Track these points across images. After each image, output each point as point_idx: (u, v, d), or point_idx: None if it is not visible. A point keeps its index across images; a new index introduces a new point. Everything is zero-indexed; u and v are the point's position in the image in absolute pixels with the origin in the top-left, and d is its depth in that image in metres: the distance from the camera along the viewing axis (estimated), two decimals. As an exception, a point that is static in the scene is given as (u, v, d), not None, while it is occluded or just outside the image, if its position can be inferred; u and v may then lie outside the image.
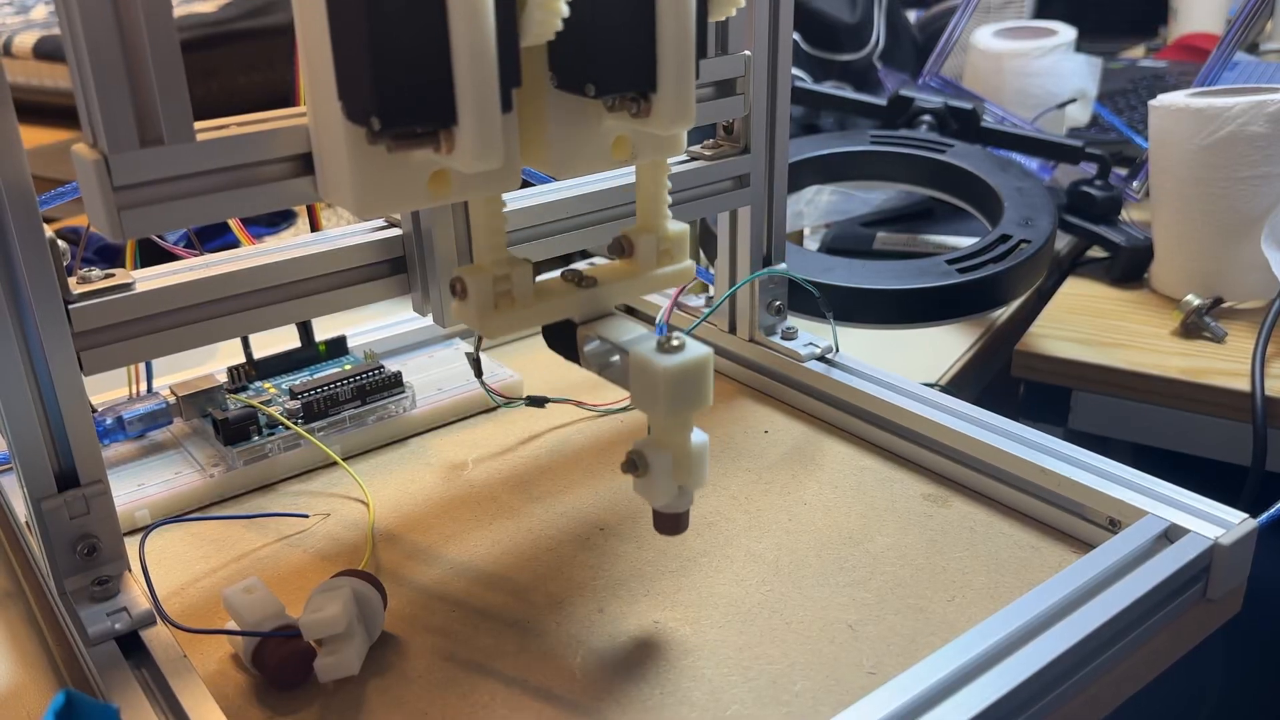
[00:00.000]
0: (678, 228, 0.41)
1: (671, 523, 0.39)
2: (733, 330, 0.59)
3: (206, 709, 0.34)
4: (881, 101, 0.90)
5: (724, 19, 0.37)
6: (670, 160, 0.40)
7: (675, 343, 0.35)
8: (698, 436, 0.37)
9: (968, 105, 0.87)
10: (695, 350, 0.35)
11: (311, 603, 0.39)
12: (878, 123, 0.90)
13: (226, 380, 0.55)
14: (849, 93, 0.93)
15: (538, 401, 0.55)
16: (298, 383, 0.54)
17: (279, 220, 0.93)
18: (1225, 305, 0.74)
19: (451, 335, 0.64)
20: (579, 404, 0.57)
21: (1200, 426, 0.67)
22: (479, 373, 0.52)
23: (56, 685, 0.40)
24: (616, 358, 0.38)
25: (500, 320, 0.38)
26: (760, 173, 0.54)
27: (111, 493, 0.39)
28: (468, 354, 0.51)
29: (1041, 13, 1.21)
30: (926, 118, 0.87)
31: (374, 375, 0.54)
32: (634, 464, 0.37)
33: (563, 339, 0.40)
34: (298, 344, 0.57)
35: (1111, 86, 1.14)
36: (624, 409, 0.57)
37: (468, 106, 0.30)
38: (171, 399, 0.53)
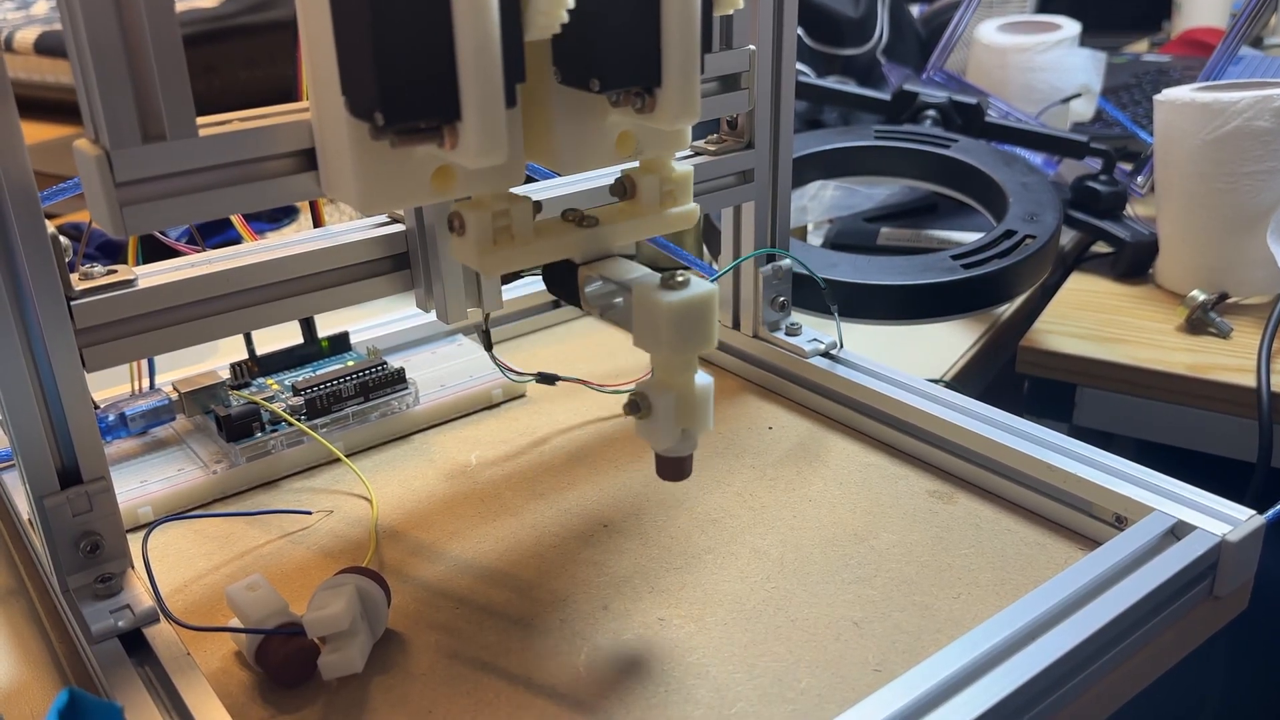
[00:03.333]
0: (681, 168, 0.40)
1: (674, 467, 0.38)
2: (736, 326, 0.59)
3: (210, 707, 0.34)
4: (885, 96, 0.89)
5: (728, 13, 0.36)
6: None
7: (679, 279, 0.35)
8: (701, 378, 0.36)
9: (972, 100, 0.87)
10: (699, 287, 0.35)
11: (315, 600, 0.39)
12: (882, 118, 0.90)
13: (229, 377, 0.55)
14: (853, 88, 0.93)
15: (548, 379, 0.55)
16: (300, 379, 0.54)
17: (281, 216, 0.93)
18: (1230, 300, 0.74)
19: (455, 331, 0.64)
20: (587, 384, 0.56)
21: (1206, 422, 0.67)
22: (489, 345, 0.51)
23: (60, 683, 0.40)
24: (619, 299, 0.37)
25: (499, 257, 0.37)
26: (764, 168, 0.54)
27: (114, 490, 0.39)
28: (477, 326, 0.49)
29: (1045, 7, 1.20)
30: (930, 113, 0.87)
31: (377, 372, 0.54)
32: (636, 406, 0.36)
33: (563, 280, 0.39)
34: (300, 340, 0.57)
35: (1116, 81, 1.14)
36: (632, 391, 0.56)
37: (471, 101, 0.29)
38: (174, 395, 0.53)
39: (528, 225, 0.37)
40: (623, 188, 0.40)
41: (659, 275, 0.35)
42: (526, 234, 0.37)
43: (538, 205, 0.37)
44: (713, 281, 0.36)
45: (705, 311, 0.35)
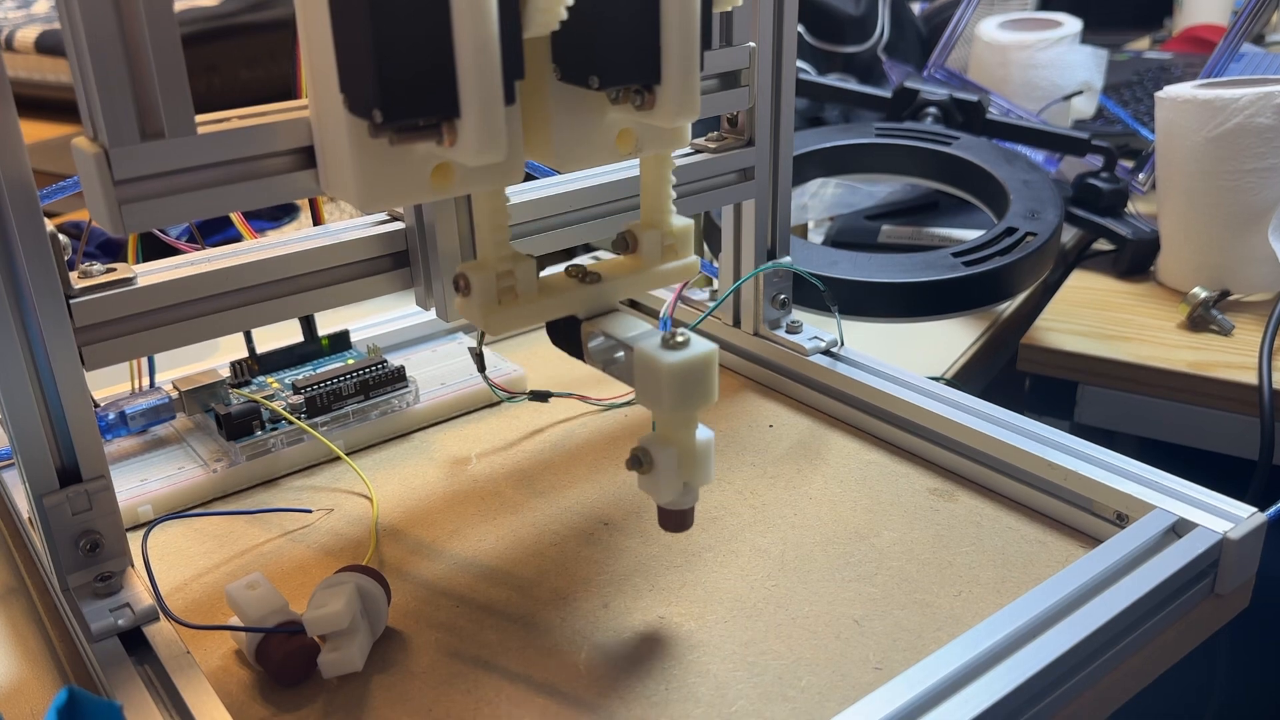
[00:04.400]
0: (682, 223, 0.41)
1: (677, 520, 0.39)
2: (737, 324, 0.59)
3: (210, 705, 0.34)
4: (886, 94, 0.89)
5: (728, 10, 0.36)
6: (674, 153, 0.40)
7: (680, 339, 0.35)
8: (703, 433, 0.37)
9: (973, 97, 0.86)
10: (700, 347, 0.35)
11: (315, 598, 0.38)
12: (882, 115, 0.90)
13: (229, 375, 0.55)
14: (854, 85, 0.93)
15: (541, 396, 0.55)
16: (301, 377, 0.54)
17: (281, 214, 0.93)
18: (1232, 298, 0.74)
19: (454, 330, 0.63)
20: (582, 398, 0.57)
21: (1207, 420, 0.67)
22: (482, 368, 0.51)
23: (60, 681, 0.40)
24: (621, 354, 0.38)
25: (504, 316, 0.37)
26: (765, 166, 0.54)
27: (114, 488, 0.39)
28: (470, 349, 0.51)
29: (1047, 4, 1.20)
30: (931, 110, 0.87)
31: (377, 370, 0.54)
32: (638, 460, 0.37)
33: (567, 335, 0.40)
34: (300, 338, 0.57)
35: (1117, 78, 1.13)
36: (628, 404, 0.56)
37: (470, 99, 0.29)
38: (174, 394, 0.53)
39: (531, 284, 0.38)
40: (625, 243, 0.40)
41: (660, 334, 0.36)
42: (530, 292, 0.38)
43: (540, 264, 0.38)
44: (714, 309, 0.36)
45: (705, 371, 0.35)
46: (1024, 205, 0.72)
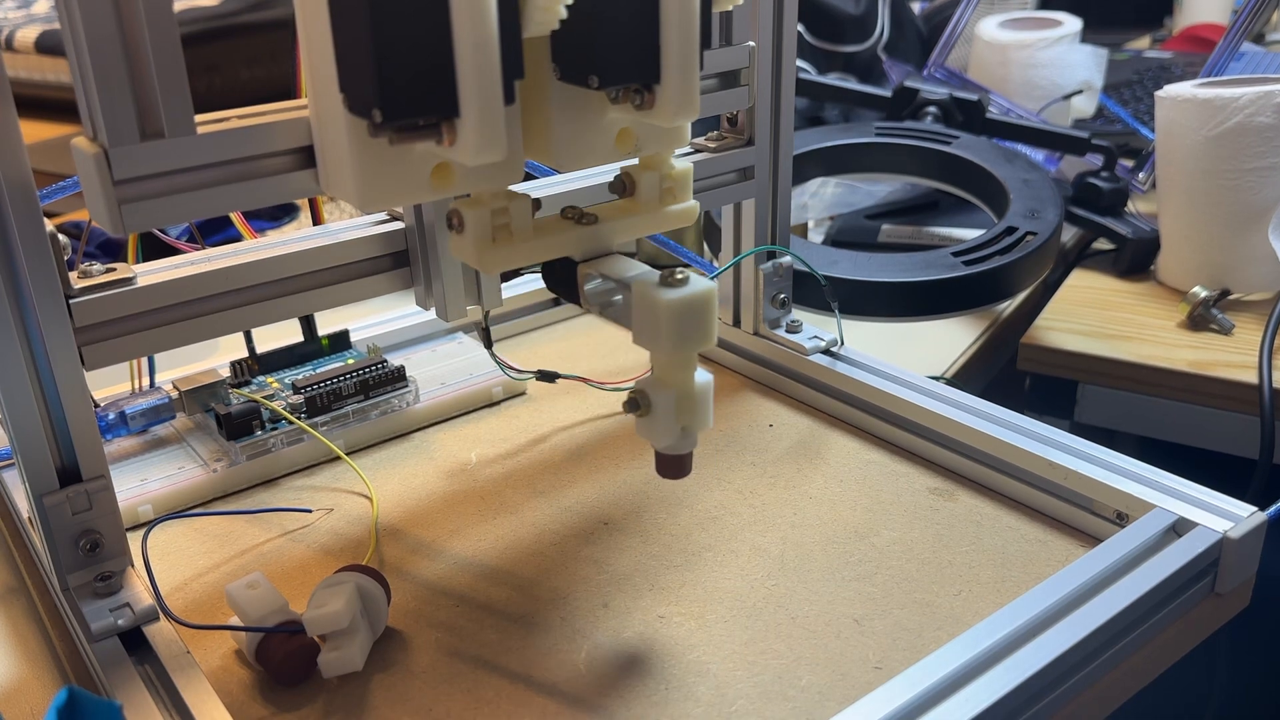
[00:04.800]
0: (681, 165, 0.39)
1: (674, 465, 0.38)
2: (737, 323, 0.59)
3: (210, 705, 0.34)
4: (886, 93, 0.89)
5: (728, 10, 0.36)
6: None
7: (679, 277, 0.35)
8: (701, 375, 0.36)
9: (973, 97, 0.86)
10: (698, 284, 0.35)
11: (315, 598, 0.38)
12: (882, 114, 0.90)
13: (229, 375, 0.55)
14: (853, 84, 0.93)
15: (548, 376, 0.55)
16: (301, 377, 0.54)
17: (281, 214, 0.92)
18: (1232, 297, 0.74)
19: (455, 329, 0.63)
20: (587, 381, 0.56)
21: (1207, 419, 0.67)
22: (489, 343, 0.51)
23: (60, 681, 0.40)
24: (618, 296, 0.37)
25: (498, 255, 0.36)
26: (764, 165, 0.54)
27: (114, 488, 0.39)
28: (477, 323, 0.49)
29: (1047, 3, 1.20)
30: (931, 109, 0.87)
31: (377, 370, 0.54)
32: (636, 404, 0.36)
33: (562, 278, 0.39)
34: (300, 338, 0.57)
35: (1117, 78, 1.13)
36: (632, 388, 0.56)
37: (470, 98, 0.29)
38: (174, 394, 0.53)
39: (527, 223, 0.37)
40: (622, 185, 0.39)
41: (658, 273, 0.35)
42: (525, 231, 0.37)
43: (537, 203, 0.37)
44: (713, 279, 0.36)
45: (705, 309, 0.35)
46: (1024, 204, 0.72)
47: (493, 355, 0.53)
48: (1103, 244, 0.85)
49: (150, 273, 0.40)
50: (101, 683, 0.36)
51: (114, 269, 0.39)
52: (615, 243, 0.39)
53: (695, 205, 0.40)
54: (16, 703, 0.39)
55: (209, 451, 0.51)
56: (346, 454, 0.52)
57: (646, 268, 0.37)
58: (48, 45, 1.28)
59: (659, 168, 0.39)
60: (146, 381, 0.54)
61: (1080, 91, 1.02)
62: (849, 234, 0.85)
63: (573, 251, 0.38)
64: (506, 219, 0.36)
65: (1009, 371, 0.75)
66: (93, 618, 0.37)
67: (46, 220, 0.35)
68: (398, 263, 0.45)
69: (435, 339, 0.63)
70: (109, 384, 0.54)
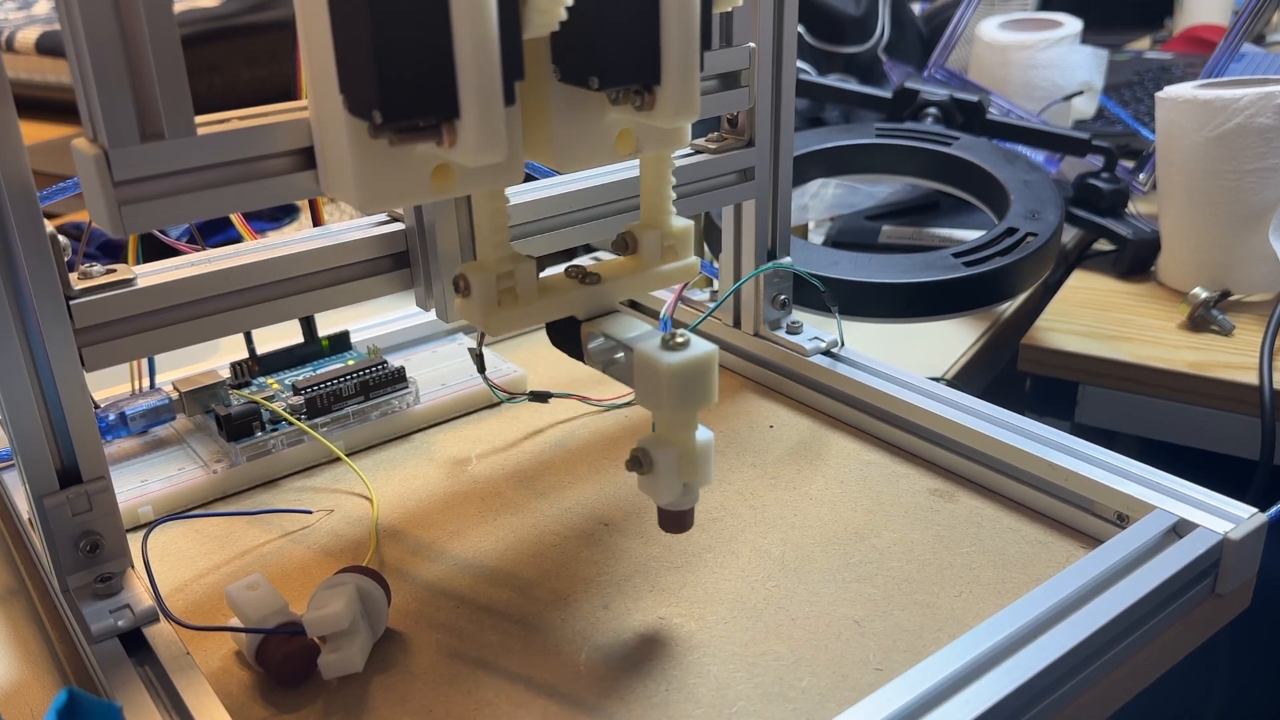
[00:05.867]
0: (681, 223, 0.41)
1: (676, 520, 0.39)
2: (737, 325, 0.59)
3: (210, 706, 0.34)
4: (886, 94, 0.89)
5: (728, 11, 0.36)
6: (674, 154, 0.40)
7: (680, 340, 0.35)
8: (703, 434, 0.37)
9: (973, 98, 0.86)
10: (700, 348, 0.35)
11: (315, 599, 0.38)
12: (883, 115, 0.90)
13: (229, 376, 0.55)
14: (854, 85, 0.93)
15: (540, 397, 0.55)
16: (301, 378, 0.54)
17: (281, 215, 0.92)
18: (1233, 298, 0.74)
19: (455, 330, 0.63)
20: (582, 399, 0.57)
21: (1208, 420, 0.67)
22: (481, 368, 0.51)
23: (60, 683, 0.40)
24: (621, 355, 0.38)
25: (504, 317, 0.37)
26: (765, 166, 0.54)
27: (114, 489, 0.39)
28: (470, 349, 0.51)
29: (1047, 4, 1.20)
30: (932, 110, 0.87)
31: (377, 371, 0.54)
32: (638, 462, 0.37)
33: (567, 336, 0.40)
34: (301, 339, 0.57)
35: (1118, 79, 1.13)
36: (627, 404, 0.56)
37: (470, 99, 0.29)
38: (174, 395, 0.53)
39: (531, 285, 0.38)
40: (624, 243, 0.40)
41: (660, 335, 0.36)
42: (530, 294, 0.38)
43: (540, 264, 0.38)
44: (714, 309, 0.36)
45: (706, 372, 0.35)
46: (1024, 205, 0.72)
47: (486, 380, 0.54)
48: (1103, 245, 0.85)
49: (150, 274, 0.40)
50: (101, 684, 0.36)
51: (114, 270, 0.39)
52: (617, 301, 0.40)
53: (695, 261, 0.42)
54: (17, 704, 0.39)
55: (209, 452, 0.51)
56: (347, 455, 0.52)
57: (648, 327, 0.38)
58: (48, 46, 1.28)
59: (660, 226, 0.40)
60: (147, 382, 0.54)
61: (1080, 92, 1.02)
62: (849, 235, 0.85)
63: (576, 311, 0.39)
64: (511, 283, 0.37)
65: (1009, 372, 0.75)
66: (93, 619, 0.37)
67: (46, 221, 0.35)
68: (398, 264, 0.45)
69: (435, 340, 0.63)
70: (109, 385, 0.54)
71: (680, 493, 0.38)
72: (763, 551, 0.45)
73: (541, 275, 0.39)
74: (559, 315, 0.39)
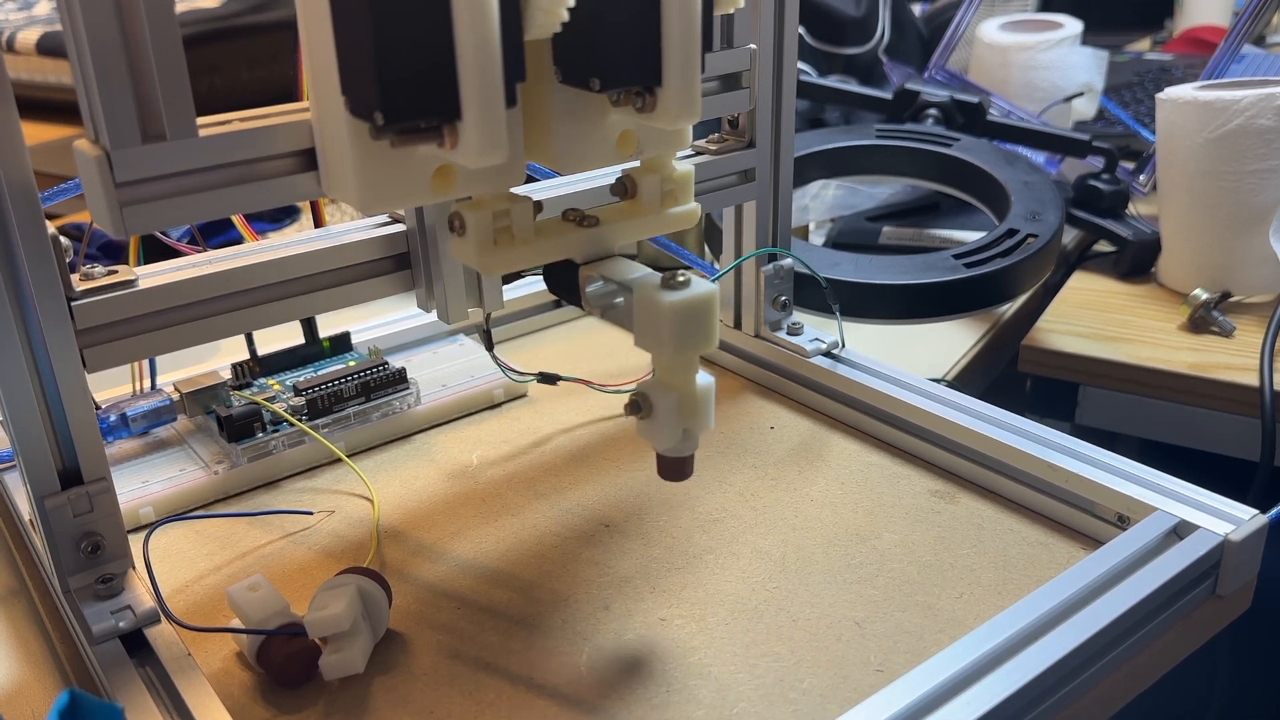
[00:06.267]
0: (683, 168, 0.40)
1: (675, 467, 0.38)
2: (738, 325, 0.59)
3: (211, 707, 0.34)
4: (887, 95, 0.89)
5: (729, 12, 0.36)
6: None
7: (680, 279, 0.35)
8: (703, 378, 0.36)
9: (974, 99, 0.86)
10: (700, 287, 0.35)
11: (316, 600, 0.38)
12: (883, 116, 0.90)
13: (230, 377, 0.55)
14: (854, 86, 0.93)
15: (549, 379, 0.55)
16: (302, 379, 0.54)
17: (282, 216, 0.92)
18: (1233, 299, 0.74)
19: (456, 331, 0.63)
20: (588, 383, 0.56)
21: (1208, 421, 0.67)
22: (490, 345, 0.51)
23: (61, 684, 0.40)
24: (620, 299, 0.37)
25: (499, 257, 0.37)
26: (765, 167, 0.54)
27: (115, 490, 0.39)
28: (478, 325, 0.49)
29: (1047, 6, 1.20)
30: (932, 111, 0.87)
31: (378, 372, 0.54)
32: (637, 406, 0.36)
33: (564, 280, 0.39)
34: (302, 340, 0.57)
35: (1118, 80, 1.13)
36: (633, 390, 0.56)
37: (471, 101, 0.29)
38: (175, 396, 0.53)
39: (528, 225, 0.37)
40: (623, 187, 0.39)
41: (660, 275, 0.35)
42: (527, 234, 0.37)
43: (538, 205, 0.37)
44: (714, 281, 0.36)
45: (706, 311, 0.35)
46: (1025, 207, 0.72)
47: (494, 358, 0.53)
48: (1103, 246, 0.85)
49: (152, 275, 0.40)
50: (103, 685, 0.36)
51: (115, 271, 0.39)
52: (617, 245, 0.39)
53: (697, 208, 0.40)
54: (18, 705, 0.39)
55: (210, 453, 0.51)
56: (348, 456, 0.52)
57: (648, 270, 0.37)
58: (49, 47, 1.28)
59: (660, 170, 0.39)
60: (148, 383, 0.54)
61: (1081, 94, 1.02)
62: (850, 236, 0.85)
63: (574, 254, 0.38)
64: (508, 221, 0.36)
65: (1010, 374, 0.75)
66: (94, 620, 0.37)
67: (48, 222, 0.35)
68: (399, 265, 0.45)
69: (436, 341, 0.63)
70: (110, 386, 0.54)
71: (679, 438, 0.37)
72: (763, 553, 0.45)
73: (538, 219, 0.38)
74: (556, 257, 0.38)
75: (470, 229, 0.36)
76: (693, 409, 0.36)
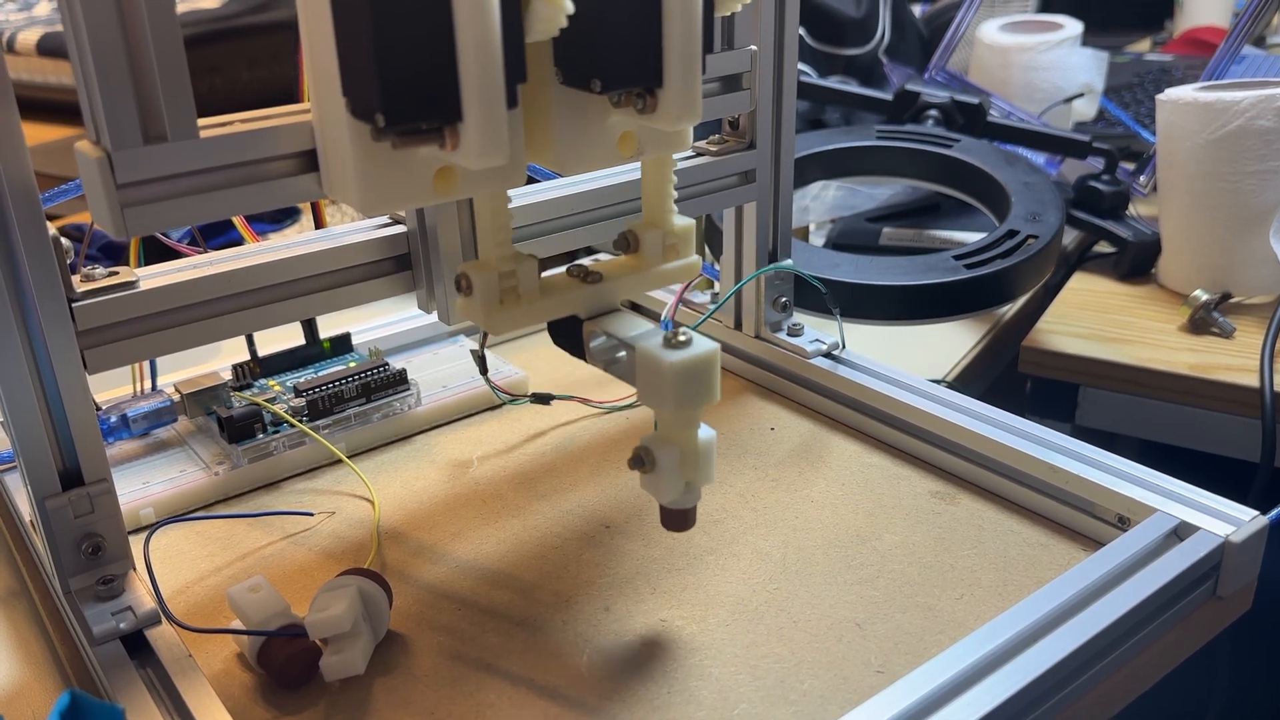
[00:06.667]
0: (683, 222, 0.41)
1: (679, 519, 0.39)
2: (738, 326, 0.59)
3: (212, 708, 0.34)
4: (887, 96, 0.89)
5: (730, 14, 0.36)
6: (676, 156, 0.40)
7: (682, 338, 0.35)
8: (705, 432, 0.37)
9: (974, 100, 0.86)
10: (702, 346, 0.35)
11: (317, 601, 0.39)
12: (884, 117, 0.90)
13: (231, 378, 0.55)
14: (855, 88, 0.93)
15: (542, 399, 0.55)
16: (302, 380, 0.54)
17: (283, 217, 0.93)
18: (1233, 300, 0.74)
19: (456, 332, 0.63)
20: (584, 401, 0.57)
21: (1208, 422, 0.67)
22: (484, 370, 0.51)
23: (62, 685, 0.40)
24: (623, 354, 0.38)
25: (506, 316, 0.37)
26: (766, 168, 0.54)
27: (116, 491, 0.39)
28: (472, 351, 0.51)
29: (1047, 7, 1.20)
30: (932, 112, 0.87)
31: (379, 373, 0.54)
32: (640, 460, 0.37)
33: (568, 335, 0.40)
34: (302, 341, 0.57)
35: (1118, 80, 1.13)
36: (630, 406, 0.56)
37: (473, 102, 0.29)
38: (176, 397, 0.53)
39: (533, 284, 0.38)
40: (626, 242, 0.41)
41: (662, 333, 0.36)
42: (532, 292, 0.38)
43: (542, 263, 0.38)
44: (715, 310, 0.36)
45: (708, 370, 0.35)
46: (1025, 208, 0.72)
47: (488, 381, 0.54)
48: (1104, 247, 0.85)
49: (152, 276, 0.40)
50: (103, 686, 0.36)
51: (116, 272, 0.39)
52: (619, 300, 0.40)
53: (697, 261, 0.42)
54: (18, 706, 0.39)
55: (211, 454, 0.51)
56: (348, 457, 0.52)
57: (650, 325, 0.38)
58: (49, 48, 1.28)
59: (662, 225, 0.40)
60: (148, 384, 0.54)
61: (1081, 94, 1.03)
62: (850, 237, 0.85)
63: (578, 310, 0.39)
64: (514, 281, 0.37)
65: (1010, 375, 0.75)
66: (94, 621, 0.37)
67: (49, 223, 0.35)
68: (400, 266, 0.45)
69: (437, 342, 0.63)
70: (111, 386, 0.54)
71: (682, 491, 0.38)
72: (764, 554, 0.45)
73: (543, 275, 0.39)
74: (561, 314, 0.39)
75: (477, 290, 0.37)
76: (695, 462, 0.37)
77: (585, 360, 0.40)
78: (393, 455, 0.54)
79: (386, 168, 0.33)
